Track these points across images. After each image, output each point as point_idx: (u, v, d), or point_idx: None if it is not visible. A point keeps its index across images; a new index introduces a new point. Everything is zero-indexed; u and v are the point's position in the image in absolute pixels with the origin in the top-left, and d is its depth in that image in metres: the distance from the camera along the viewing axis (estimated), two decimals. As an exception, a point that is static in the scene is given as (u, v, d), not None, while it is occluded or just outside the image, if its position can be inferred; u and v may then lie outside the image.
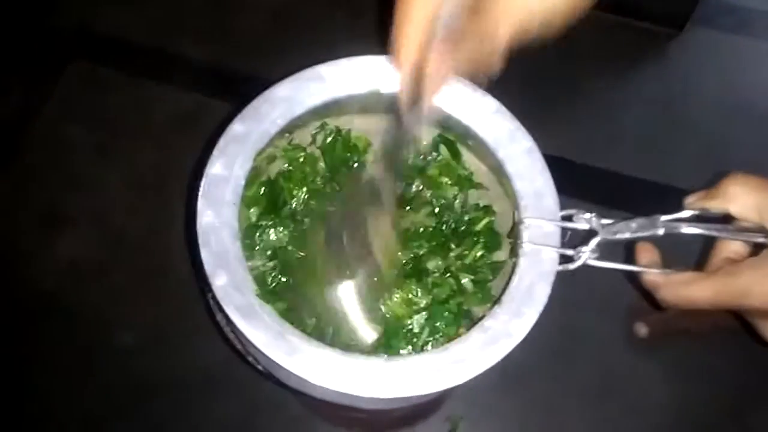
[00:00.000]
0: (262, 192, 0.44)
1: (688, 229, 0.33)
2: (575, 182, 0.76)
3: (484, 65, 0.38)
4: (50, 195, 0.94)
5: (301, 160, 0.45)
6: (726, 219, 0.35)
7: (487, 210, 0.42)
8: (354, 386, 0.34)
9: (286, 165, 0.46)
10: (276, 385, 0.50)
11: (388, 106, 0.42)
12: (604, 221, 0.36)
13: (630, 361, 0.86)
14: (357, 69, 0.43)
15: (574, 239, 0.38)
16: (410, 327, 0.39)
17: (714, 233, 0.33)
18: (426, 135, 0.43)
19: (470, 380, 0.35)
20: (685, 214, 0.35)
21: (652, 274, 0.35)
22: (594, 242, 0.35)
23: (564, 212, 0.39)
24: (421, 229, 0.41)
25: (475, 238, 0.39)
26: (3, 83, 1.01)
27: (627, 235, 0.35)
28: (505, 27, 0.37)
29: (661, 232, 0.33)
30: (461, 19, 0.37)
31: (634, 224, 0.33)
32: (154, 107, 0.97)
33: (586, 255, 0.35)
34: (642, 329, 0.87)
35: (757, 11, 1.04)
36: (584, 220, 0.35)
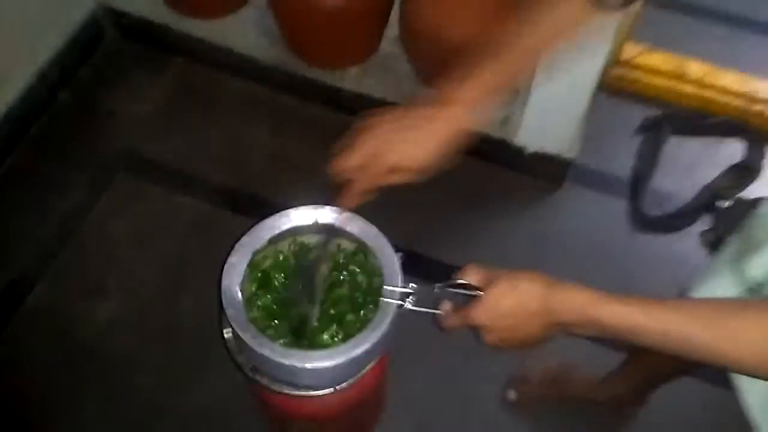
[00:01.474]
0: (258, 276, 0.79)
1: (450, 290, 0.68)
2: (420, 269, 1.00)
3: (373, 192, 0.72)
4: (95, 272, 1.29)
5: (281, 258, 0.80)
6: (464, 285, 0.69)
7: (377, 289, 0.77)
8: (306, 362, 0.68)
9: (271, 261, 0.81)
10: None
11: (325, 230, 0.78)
12: (415, 287, 0.70)
13: (501, 422, 1.17)
14: (308, 212, 0.79)
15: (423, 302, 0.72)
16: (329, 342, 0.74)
17: (461, 291, 0.67)
18: (348, 245, 0.79)
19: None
20: (450, 283, 0.69)
21: (444, 315, 0.69)
22: (411, 298, 0.70)
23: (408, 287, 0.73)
24: (343, 297, 0.76)
25: (371, 303, 0.74)
26: (68, 182, 1.39)
27: (434, 291, 0.69)
28: (385, 177, 0.71)
29: (437, 289, 0.68)
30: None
31: (427, 289, 0.68)
32: (181, 214, 1.35)
33: (407, 305, 0.70)
34: (512, 394, 1.20)
35: (617, 176, 1.45)
36: (410, 288, 0.70)
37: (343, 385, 0.78)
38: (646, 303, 0.59)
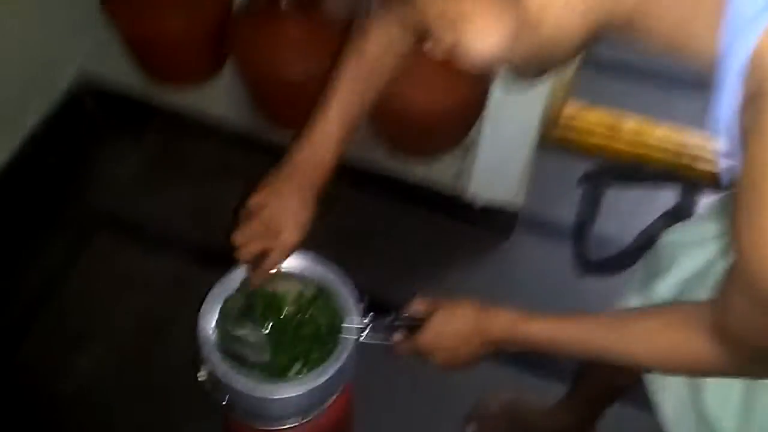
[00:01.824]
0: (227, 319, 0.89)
1: (398, 323, 0.78)
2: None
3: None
4: (76, 329, 1.36)
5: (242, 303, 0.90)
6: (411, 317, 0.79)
7: (337, 327, 0.86)
8: (274, 393, 0.77)
9: (238, 307, 0.90)
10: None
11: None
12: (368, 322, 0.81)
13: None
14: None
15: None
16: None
17: (409, 322, 0.78)
18: (310, 289, 0.89)
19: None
20: (399, 315, 0.79)
21: (396, 345, 0.79)
22: (366, 332, 0.80)
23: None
24: (306, 337, 0.86)
25: (332, 340, 0.84)
26: (50, 243, 1.47)
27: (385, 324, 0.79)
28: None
29: (388, 322, 0.78)
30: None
31: (380, 322, 0.78)
32: (157, 271, 1.43)
33: (362, 337, 0.80)
34: (471, 428, 1.28)
35: (562, 224, 1.58)
36: (365, 323, 0.80)
37: (310, 416, 0.87)
38: (563, 319, 0.70)
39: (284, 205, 0.84)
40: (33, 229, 1.49)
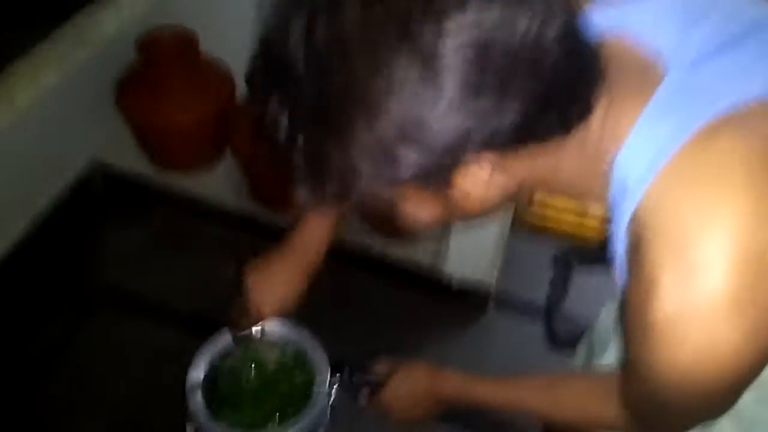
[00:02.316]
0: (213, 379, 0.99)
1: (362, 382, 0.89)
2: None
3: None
4: (76, 393, 1.45)
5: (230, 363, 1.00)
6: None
7: (311, 387, 0.96)
8: None
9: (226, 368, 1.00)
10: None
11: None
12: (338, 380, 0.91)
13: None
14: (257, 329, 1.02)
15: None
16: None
17: (373, 381, 0.88)
18: (288, 353, 1.00)
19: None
20: (365, 374, 0.90)
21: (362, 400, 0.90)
22: (334, 390, 0.91)
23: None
24: (284, 393, 0.96)
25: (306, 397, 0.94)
26: (54, 313, 1.57)
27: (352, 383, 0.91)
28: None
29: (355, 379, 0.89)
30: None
31: (349, 380, 0.89)
32: (155, 341, 1.53)
33: (333, 392, 0.91)
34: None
35: (534, 303, 1.68)
36: (335, 380, 0.91)
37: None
38: (500, 382, 0.81)
39: (270, 281, 0.96)
40: (38, 303, 1.60)
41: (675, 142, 0.49)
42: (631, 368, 0.58)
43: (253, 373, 0.97)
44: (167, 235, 1.74)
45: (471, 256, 1.58)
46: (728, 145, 0.48)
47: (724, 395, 0.54)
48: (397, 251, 1.62)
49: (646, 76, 0.52)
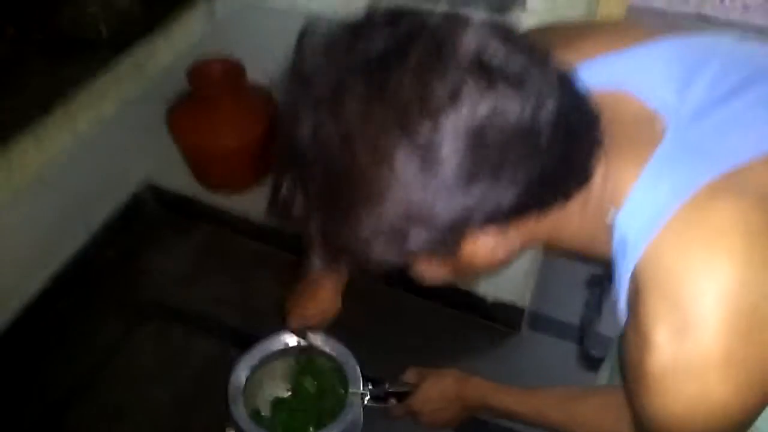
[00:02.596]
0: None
1: (393, 390, 0.94)
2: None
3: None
4: (120, 401, 1.53)
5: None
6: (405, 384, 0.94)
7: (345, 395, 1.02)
8: None
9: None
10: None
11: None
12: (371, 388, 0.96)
13: None
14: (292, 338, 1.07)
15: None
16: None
17: (403, 388, 0.93)
18: (327, 363, 1.06)
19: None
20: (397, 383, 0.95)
21: (392, 407, 0.93)
22: (367, 397, 0.95)
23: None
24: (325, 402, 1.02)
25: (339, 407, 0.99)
26: (104, 326, 1.66)
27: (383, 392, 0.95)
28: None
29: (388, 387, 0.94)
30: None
31: (381, 388, 0.92)
32: (198, 352, 1.60)
33: (365, 401, 0.95)
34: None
35: (568, 323, 1.70)
36: (368, 389, 0.95)
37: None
38: (523, 393, 0.84)
39: (325, 287, 1.02)
40: (92, 313, 1.69)
41: (675, 202, 0.51)
42: (631, 406, 0.59)
43: (293, 383, 1.04)
44: (212, 251, 1.83)
45: (505, 277, 1.61)
46: (726, 206, 0.50)
47: None
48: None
49: (646, 133, 0.54)
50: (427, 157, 0.45)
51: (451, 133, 0.45)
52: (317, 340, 1.04)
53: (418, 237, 0.49)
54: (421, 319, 1.67)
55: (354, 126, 0.46)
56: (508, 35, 0.49)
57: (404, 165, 0.45)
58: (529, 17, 1.30)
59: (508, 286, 1.62)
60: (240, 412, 0.97)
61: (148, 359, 1.60)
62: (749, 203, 0.50)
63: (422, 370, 0.95)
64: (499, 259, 0.56)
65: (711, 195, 0.50)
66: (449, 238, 0.50)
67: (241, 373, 1.02)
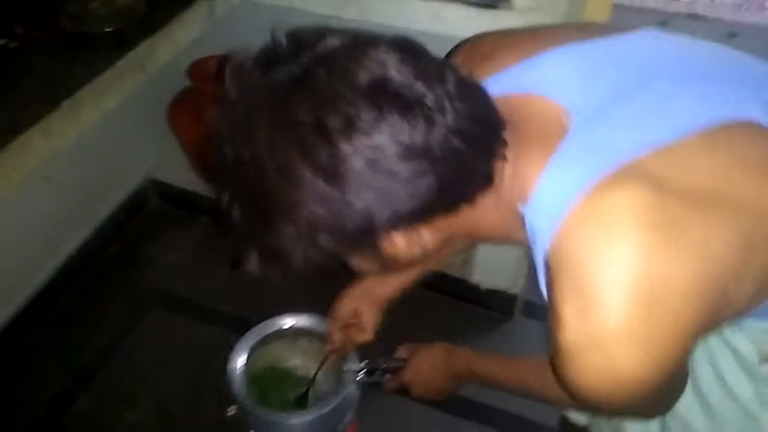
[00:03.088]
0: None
1: (386, 366, 0.98)
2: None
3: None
4: (128, 386, 1.58)
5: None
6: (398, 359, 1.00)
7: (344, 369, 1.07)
8: (290, 420, 0.97)
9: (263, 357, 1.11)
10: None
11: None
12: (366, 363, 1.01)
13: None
14: (288, 319, 1.12)
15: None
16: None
17: (394, 364, 0.98)
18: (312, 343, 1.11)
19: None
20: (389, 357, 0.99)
21: (387, 381, 0.98)
22: (362, 372, 1.01)
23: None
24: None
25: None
26: (110, 317, 1.71)
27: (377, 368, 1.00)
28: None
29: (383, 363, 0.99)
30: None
31: (375, 363, 0.99)
32: (201, 340, 1.65)
33: (360, 376, 1.00)
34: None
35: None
36: (363, 365, 1.01)
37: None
38: (505, 360, 0.89)
39: (363, 312, 1.05)
40: (97, 305, 1.74)
41: (577, 192, 0.55)
42: (556, 378, 0.63)
43: (285, 363, 1.09)
44: (211, 243, 1.88)
45: (498, 265, 1.65)
46: (623, 195, 0.54)
47: (641, 407, 0.61)
48: (427, 259, 1.70)
49: (554, 128, 0.58)
50: (329, 176, 0.51)
51: (349, 155, 0.51)
52: (307, 321, 1.10)
53: (331, 242, 0.54)
54: (416, 306, 1.71)
55: (262, 151, 0.53)
56: (410, 57, 0.54)
57: (309, 183, 0.52)
58: (514, 15, 1.35)
59: (502, 274, 1.67)
60: (239, 389, 1.02)
61: (152, 347, 1.65)
62: (646, 192, 0.54)
63: (413, 345, 1.00)
64: (419, 254, 0.60)
65: (610, 185, 0.54)
66: (363, 239, 0.55)
67: (239, 354, 1.07)
